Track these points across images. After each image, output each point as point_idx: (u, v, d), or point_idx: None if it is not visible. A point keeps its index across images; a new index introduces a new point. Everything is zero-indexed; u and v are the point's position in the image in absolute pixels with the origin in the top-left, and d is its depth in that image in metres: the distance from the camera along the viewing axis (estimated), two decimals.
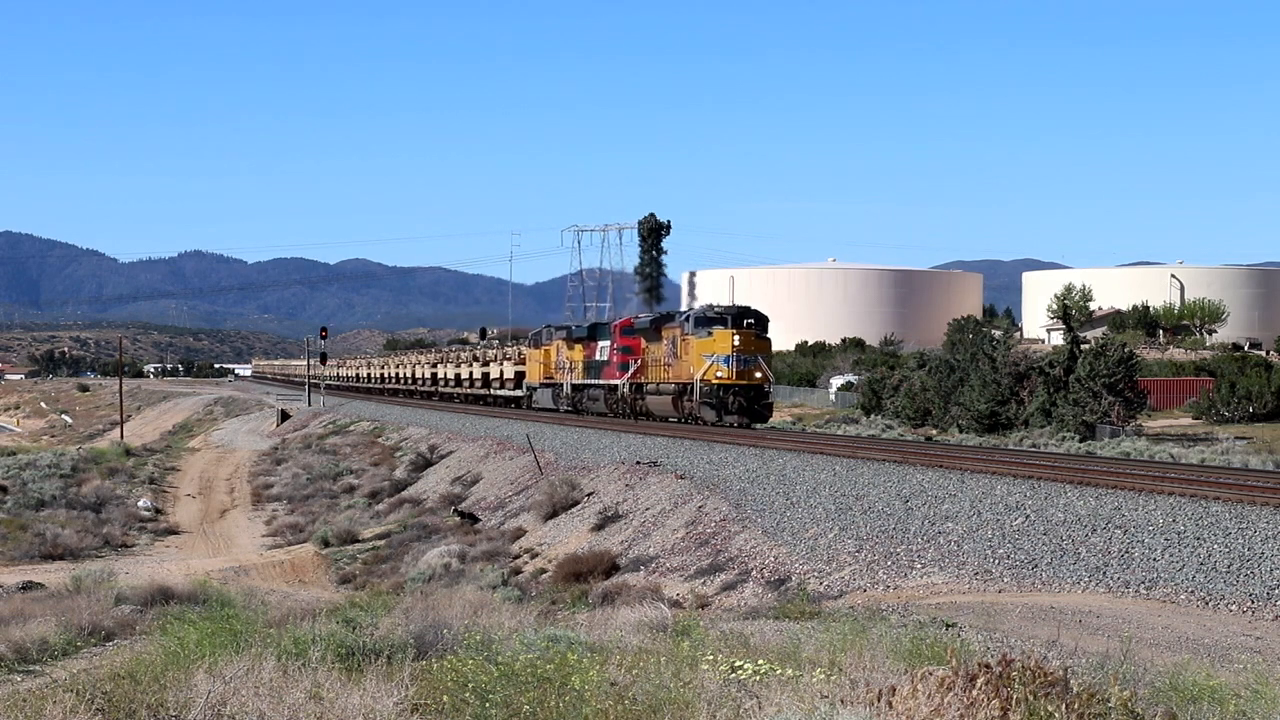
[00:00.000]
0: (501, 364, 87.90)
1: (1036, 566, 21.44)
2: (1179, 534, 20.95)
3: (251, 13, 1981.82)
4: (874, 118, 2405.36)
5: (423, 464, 58.27)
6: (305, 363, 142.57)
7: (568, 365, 66.36)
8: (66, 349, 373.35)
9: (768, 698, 10.12)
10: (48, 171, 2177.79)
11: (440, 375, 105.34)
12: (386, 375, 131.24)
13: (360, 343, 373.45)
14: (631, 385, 57.55)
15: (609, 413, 60.50)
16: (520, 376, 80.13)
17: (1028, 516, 23.95)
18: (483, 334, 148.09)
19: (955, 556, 23.08)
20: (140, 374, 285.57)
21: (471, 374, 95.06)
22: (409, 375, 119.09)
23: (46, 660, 18.28)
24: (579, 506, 37.41)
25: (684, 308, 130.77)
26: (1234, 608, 17.97)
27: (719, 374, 49.87)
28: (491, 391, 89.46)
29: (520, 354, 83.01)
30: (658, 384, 55.11)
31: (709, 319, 50.97)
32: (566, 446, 48.98)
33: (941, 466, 30.47)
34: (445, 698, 10.62)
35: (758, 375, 50.40)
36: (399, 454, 65.06)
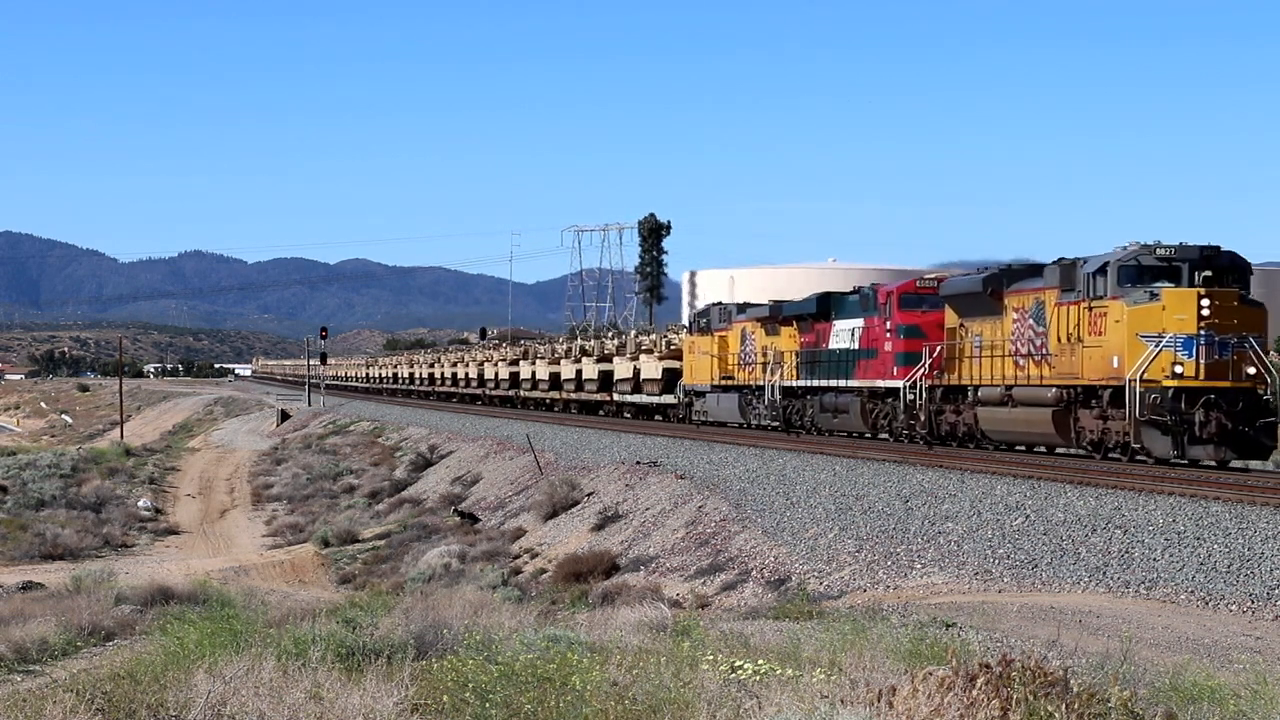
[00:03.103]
0: (637, 358, 63.66)
1: (1036, 566, 21.44)
2: (1179, 534, 20.95)
3: (251, 12, 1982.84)
4: (874, 118, 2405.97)
5: (423, 464, 58.29)
6: (318, 362, 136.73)
7: (771, 359, 46.29)
8: (66, 349, 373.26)
9: (768, 698, 10.11)
10: (48, 171, 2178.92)
11: (524, 376, 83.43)
12: (440, 376, 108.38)
13: (360, 343, 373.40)
14: (931, 389, 36.67)
15: (870, 433, 40.37)
16: (671, 376, 58.27)
17: (1028, 516, 23.95)
18: (483, 334, 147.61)
19: (955, 556, 23.08)
20: (140, 374, 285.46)
21: (580, 373, 72.28)
22: (471, 376, 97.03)
23: (46, 660, 18.30)
24: (579, 506, 37.43)
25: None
26: (1234, 608, 17.97)
27: (1176, 368, 28.75)
28: (615, 397, 66.29)
29: (669, 345, 60.51)
30: (1007, 387, 33.46)
31: (1145, 268, 29.95)
32: (566, 446, 49.00)
33: (941, 466, 30.48)
34: (445, 698, 10.62)
35: (1249, 371, 28.89)
36: (399, 454, 65.07)
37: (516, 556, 34.95)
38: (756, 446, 39.79)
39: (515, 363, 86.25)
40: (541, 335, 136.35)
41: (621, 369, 65.66)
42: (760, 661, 11.36)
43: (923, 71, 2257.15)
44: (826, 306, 43.25)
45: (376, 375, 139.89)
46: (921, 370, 36.77)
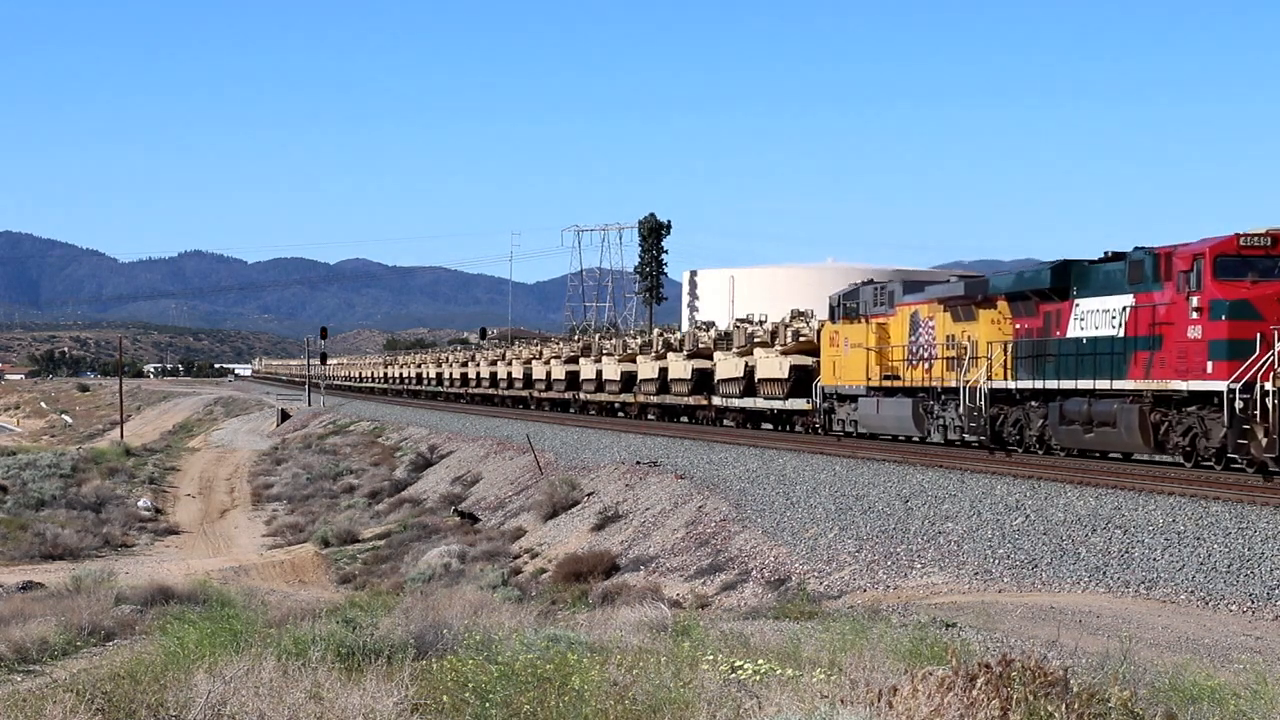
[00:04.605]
0: (750, 353, 51.95)
1: (1036, 566, 21.45)
2: (1179, 534, 20.96)
3: (251, 13, 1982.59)
4: (874, 118, 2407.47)
5: (423, 464, 58.33)
6: (318, 362, 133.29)
7: (966, 352, 35.36)
8: (66, 349, 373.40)
9: (768, 698, 10.11)
10: (48, 171, 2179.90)
11: (586, 376, 72.28)
12: (475, 377, 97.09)
13: (360, 343, 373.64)
14: None
15: (1153, 452, 29.23)
16: (802, 376, 47.07)
17: (1028, 516, 23.96)
18: (483, 334, 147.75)
19: (955, 556, 23.09)
20: (140, 374, 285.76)
21: (664, 372, 60.88)
22: (515, 376, 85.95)
23: (46, 660, 18.31)
24: (579, 506, 37.44)
25: (684, 307, 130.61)
26: (1234, 608, 17.98)
27: None
28: (716, 401, 55.03)
29: (798, 337, 49.43)
30: None
31: None
32: (566, 446, 49.00)
33: (941, 466, 30.47)
34: (445, 698, 10.61)
35: None
36: (399, 454, 65.09)
37: (516, 556, 34.97)
38: (756, 446, 39.77)
39: (574, 360, 75.38)
40: (541, 335, 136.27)
41: (727, 367, 53.59)
42: (760, 661, 11.36)
43: (922, 72, 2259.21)
44: (1065, 279, 31.82)
45: (397, 375, 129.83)
46: (1267, 362, 25.69)
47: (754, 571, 25.95)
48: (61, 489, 57.81)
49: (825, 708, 9.36)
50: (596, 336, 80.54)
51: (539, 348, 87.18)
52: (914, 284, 40.91)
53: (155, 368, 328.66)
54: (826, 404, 43.41)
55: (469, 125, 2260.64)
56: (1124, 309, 29.32)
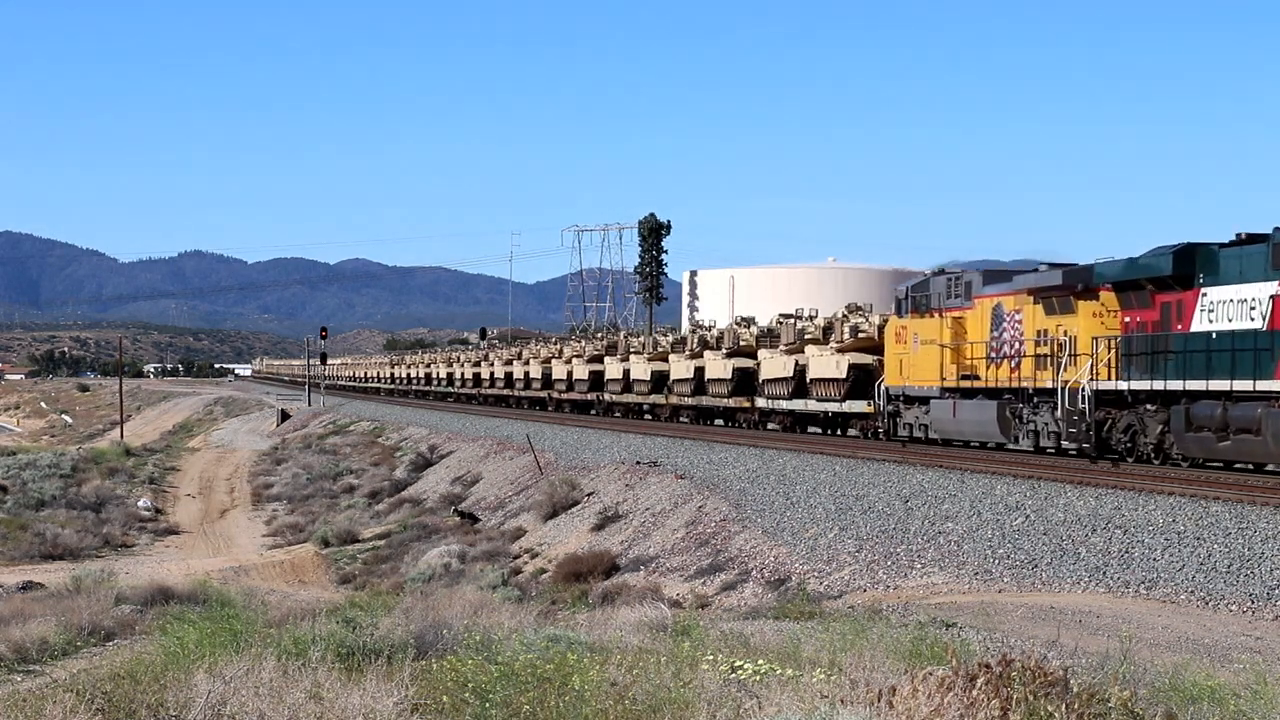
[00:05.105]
0: (800, 350, 47.93)
1: (1036, 566, 21.45)
2: (1179, 534, 20.96)
3: (251, 12, 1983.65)
4: (874, 117, 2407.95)
5: (423, 464, 58.35)
6: (318, 362, 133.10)
7: (1065, 349, 31.36)
8: (66, 349, 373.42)
9: (768, 698, 10.12)
10: (48, 171, 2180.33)
11: (612, 376, 68.40)
12: (489, 377, 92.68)
13: (360, 343, 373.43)
14: None
15: None
16: (861, 375, 43.41)
17: (1028, 516, 23.96)
18: (483, 334, 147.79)
19: (955, 556, 23.09)
20: (140, 374, 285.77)
21: (700, 371, 56.99)
22: (533, 376, 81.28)
23: (46, 660, 18.31)
24: (579, 506, 37.45)
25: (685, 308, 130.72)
26: (1234, 608, 17.98)
27: None
28: (761, 403, 51.32)
29: (858, 333, 44.82)
30: None
31: None
32: (566, 446, 49.01)
33: (941, 466, 30.47)
34: (445, 698, 10.62)
35: None
36: (399, 454, 65.11)
37: (516, 556, 34.99)
38: (756, 446, 39.77)
39: (598, 359, 71.60)
40: (541, 335, 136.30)
41: (773, 366, 49.33)
42: (760, 661, 11.36)
43: (922, 70, 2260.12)
44: (1189, 265, 27.65)
45: (404, 375, 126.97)
46: None
47: (754, 571, 25.96)
48: (61, 489, 57.84)
49: (825, 708, 9.36)
50: (623, 334, 75.95)
51: (559, 346, 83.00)
52: (995, 274, 36.99)
53: (155, 368, 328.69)
54: (891, 406, 39.36)
55: (469, 125, 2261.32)
56: (1269, 298, 25.46)
